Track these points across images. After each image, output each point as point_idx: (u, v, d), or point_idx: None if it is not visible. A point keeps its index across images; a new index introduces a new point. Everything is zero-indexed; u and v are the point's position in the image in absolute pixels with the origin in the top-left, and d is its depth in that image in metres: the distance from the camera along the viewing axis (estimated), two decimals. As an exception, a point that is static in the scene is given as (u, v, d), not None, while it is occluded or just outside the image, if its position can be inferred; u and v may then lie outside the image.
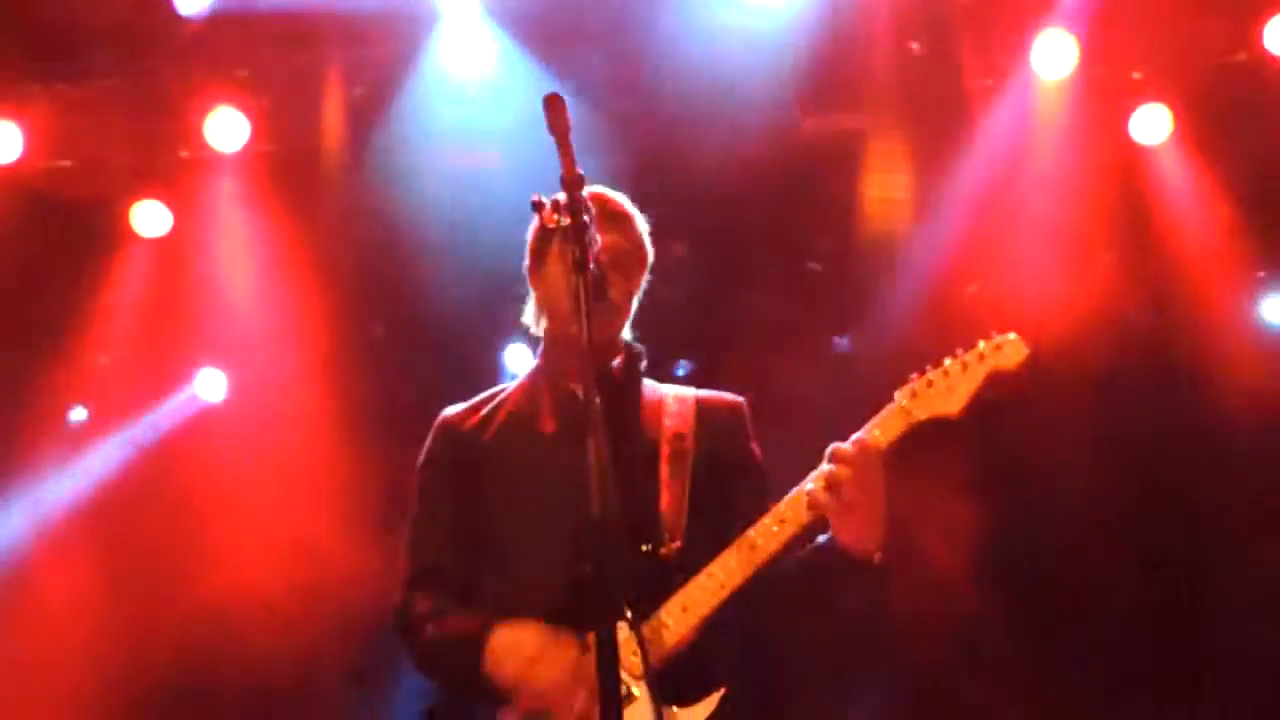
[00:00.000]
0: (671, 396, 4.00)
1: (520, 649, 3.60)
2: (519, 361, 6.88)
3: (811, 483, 3.61)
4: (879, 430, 3.68)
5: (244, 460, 6.96)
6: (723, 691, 3.70)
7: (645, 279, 3.98)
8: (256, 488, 6.89)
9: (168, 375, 7.14)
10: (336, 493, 6.84)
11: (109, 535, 6.95)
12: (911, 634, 6.82)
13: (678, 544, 3.75)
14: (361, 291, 7.04)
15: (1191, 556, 6.97)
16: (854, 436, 3.67)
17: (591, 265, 3.15)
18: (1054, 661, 6.92)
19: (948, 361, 3.81)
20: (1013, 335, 3.82)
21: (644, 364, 3.99)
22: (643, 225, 3.98)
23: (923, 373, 3.79)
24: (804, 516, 3.61)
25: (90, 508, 6.97)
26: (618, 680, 2.83)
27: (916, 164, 6.77)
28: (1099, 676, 6.94)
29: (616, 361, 3.95)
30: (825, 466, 3.61)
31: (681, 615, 3.64)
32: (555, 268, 3.78)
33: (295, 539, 6.83)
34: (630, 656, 3.54)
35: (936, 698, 6.90)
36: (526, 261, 3.94)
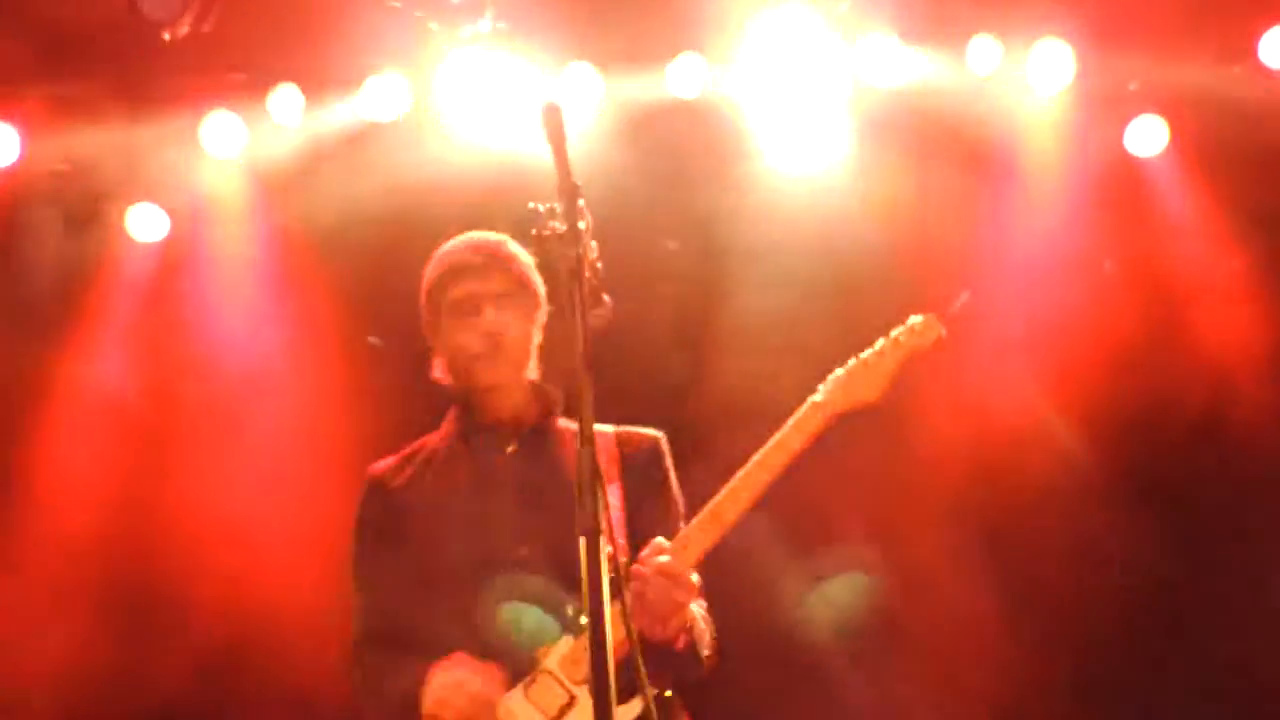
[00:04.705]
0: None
1: (438, 684, 3.74)
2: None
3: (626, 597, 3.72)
4: (787, 445, 3.92)
5: (240, 465, 6.95)
6: (653, 691, 3.75)
7: (541, 317, 4.03)
8: (251, 494, 6.88)
9: (163, 378, 7.13)
10: (333, 500, 6.82)
11: (101, 545, 6.93)
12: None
13: (623, 557, 3.82)
14: (359, 299, 7.04)
15: (1204, 579, 6.97)
16: (759, 454, 3.92)
17: (587, 273, 3.17)
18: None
19: (866, 353, 4.02)
20: (925, 316, 4.05)
21: (559, 405, 4.03)
22: (526, 261, 4.03)
23: (842, 367, 4.01)
24: (620, 632, 3.69)
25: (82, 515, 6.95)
26: (609, 683, 2.83)
27: (911, 174, 6.79)
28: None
29: (531, 407, 4.02)
30: (633, 583, 3.74)
31: (616, 625, 3.72)
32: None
33: (289, 545, 6.82)
34: (572, 665, 3.71)
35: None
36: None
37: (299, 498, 6.84)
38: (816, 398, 3.99)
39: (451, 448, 4.06)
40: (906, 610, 7.01)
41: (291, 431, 6.96)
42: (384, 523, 4.00)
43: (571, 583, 3.73)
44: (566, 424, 4.07)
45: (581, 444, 2.96)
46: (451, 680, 3.73)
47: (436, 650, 3.82)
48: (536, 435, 4.02)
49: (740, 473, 3.92)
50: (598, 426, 4.04)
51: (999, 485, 6.82)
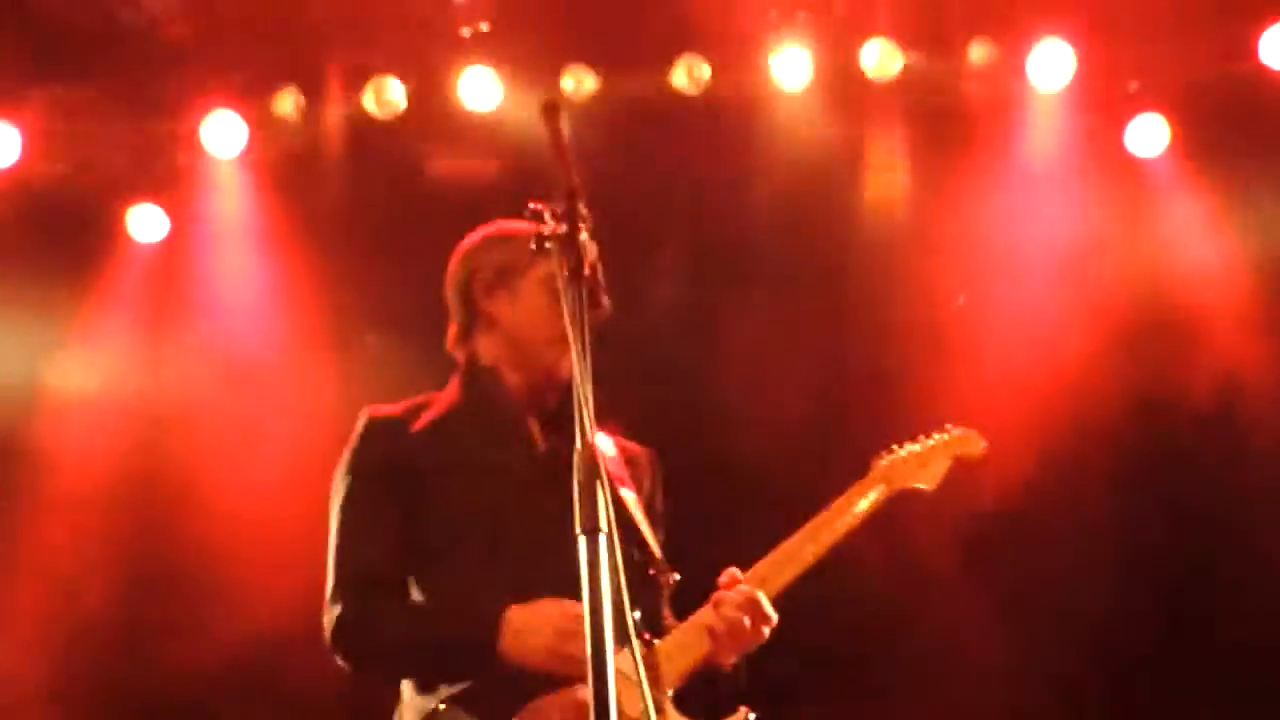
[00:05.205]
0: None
1: (546, 623, 3.60)
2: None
3: (710, 617, 3.78)
4: (844, 514, 4.08)
5: (237, 468, 6.94)
6: (747, 712, 3.76)
7: None
8: (248, 495, 6.88)
9: (164, 378, 7.12)
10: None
11: (103, 547, 6.93)
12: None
13: (677, 575, 3.83)
14: (359, 298, 7.04)
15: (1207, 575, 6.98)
16: (814, 521, 4.02)
17: (587, 272, 3.16)
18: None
19: (913, 445, 4.34)
20: (970, 430, 4.46)
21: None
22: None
23: (893, 448, 4.31)
24: (705, 647, 3.78)
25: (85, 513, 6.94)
26: (608, 684, 2.82)
27: (912, 173, 6.78)
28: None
29: (554, 396, 3.96)
30: (721, 607, 3.78)
31: (700, 639, 3.74)
32: (533, 286, 3.85)
33: (287, 546, 6.81)
34: (651, 672, 3.64)
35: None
36: (483, 275, 3.98)
37: (298, 496, 6.84)
38: (877, 472, 4.22)
39: (473, 416, 3.95)
40: (907, 607, 7.01)
41: (292, 430, 6.95)
42: (395, 467, 3.84)
43: (643, 570, 3.80)
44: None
45: (581, 443, 2.93)
46: (538, 615, 3.62)
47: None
48: (557, 421, 3.94)
49: (807, 526, 4.02)
50: (600, 435, 4.05)
51: (1001, 479, 6.81)
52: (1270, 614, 6.76)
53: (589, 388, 3.01)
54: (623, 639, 2.85)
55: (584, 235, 3.16)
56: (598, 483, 2.85)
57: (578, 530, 2.83)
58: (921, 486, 4.28)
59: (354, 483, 3.87)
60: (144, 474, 6.99)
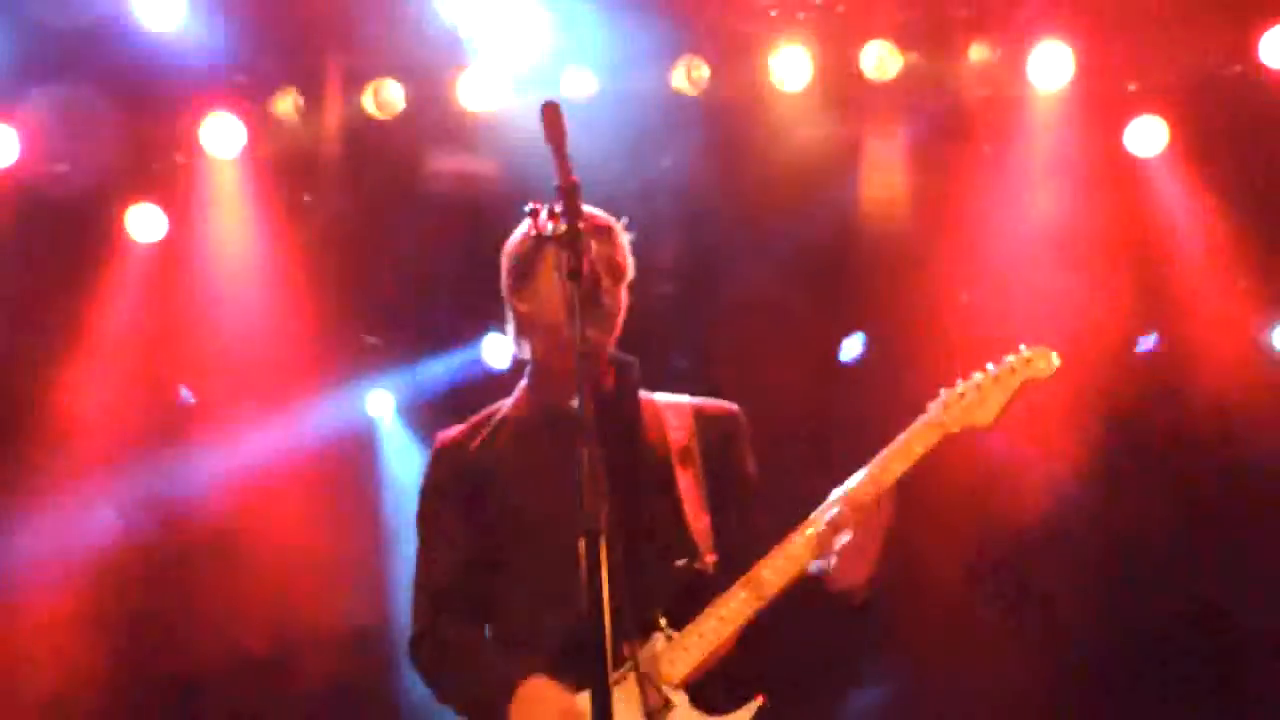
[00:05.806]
0: (667, 406, 4.05)
1: (546, 704, 3.69)
2: (496, 353, 6.94)
3: (819, 525, 3.73)
4: (895, 462, 3.84)
5: (240, 464, 6.95)
6: (759, 701, 3.75)
7: (625, 294, 4.03)
8: (246, 495, 6.88)
9: (158, 381, 7.13)
10: (333, 493, 6.85)
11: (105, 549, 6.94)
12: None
13: (712, 557, 3.80)
14: (358, 298, 7.04)
15: (1206, 590, 6.97)
16: (867, 468, 3.83)
17: (586, 271, 3.15)
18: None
19: (978, 375, 3.99)
20: (1039, 347, 4.02)
21: (637, 376, 4.03)
22: (625, 238, 4.03)
23: (952, 385, 3.97)
24: (809, 557, 3.74)
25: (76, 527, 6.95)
26: (608, 686, 2.83)
27: (912, 173, 6.78)
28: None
29: (608, 377, 3.96)
30: (833, 510, 3.72)
31: (718, 626, 3.72)
32: (548, 278, 3.82)
33: (286, 549, 6.83)
34: (668, 667, 3.67)
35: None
36: (508, 279, 4.00)
37: (297, 496, 6.86)
38: (930, 416, 3.95)
39: (529, 412, 4.05)
40: (913, 615, 7.01)
41: (289, 429, 6.96)
42: (458, 484, 4.00)
43: (671, 558, 3.82)
44: (646, 395, 4.08)
45: (581, 443, 2.94)
46: (543, 694, 3.73)
47: (509, 614, 3.87)
48: (615, 403, 3.98)
49: (848, 482, 3.89)
50: (674, 399, 4.09)
51: (1000, 484, 6.82)
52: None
53: (588, 389, 3.02)
54: (632, 637, 2.87)
55: (583, 235, 3.16)
56: (598, 484, 2.87)
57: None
58: (978, 424, 3.95)
59: (423, 505, 4.08)
60: (145, 474, 7.00)
